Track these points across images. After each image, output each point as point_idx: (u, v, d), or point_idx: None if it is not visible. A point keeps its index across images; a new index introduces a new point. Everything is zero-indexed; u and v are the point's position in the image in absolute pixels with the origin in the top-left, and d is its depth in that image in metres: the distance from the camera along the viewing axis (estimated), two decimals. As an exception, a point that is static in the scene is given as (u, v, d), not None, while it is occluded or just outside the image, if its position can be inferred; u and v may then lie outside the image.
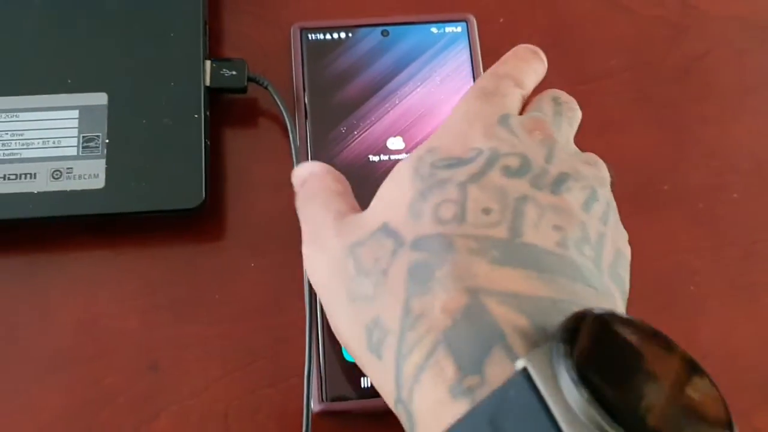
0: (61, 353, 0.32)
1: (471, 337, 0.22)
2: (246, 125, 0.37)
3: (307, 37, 0.37)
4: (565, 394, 0.19)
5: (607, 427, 0.18)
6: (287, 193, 0.30)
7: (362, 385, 0.31)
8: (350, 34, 0.37)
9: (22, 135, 0.34)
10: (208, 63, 0.35)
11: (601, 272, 0.25)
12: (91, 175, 0.33)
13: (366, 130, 0.35)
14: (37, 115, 0.34)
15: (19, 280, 0.33)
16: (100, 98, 0.34)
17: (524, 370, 0.20)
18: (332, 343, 0.32)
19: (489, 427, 0.20)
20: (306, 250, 0.28)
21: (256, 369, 0.32)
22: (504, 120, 0.27)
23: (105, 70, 0.35)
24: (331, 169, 0.30)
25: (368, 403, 0.31)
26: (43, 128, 0.34)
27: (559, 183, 0.26)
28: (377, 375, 0.24)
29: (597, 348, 0.20)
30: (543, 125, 0.28)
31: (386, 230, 0.25)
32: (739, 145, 0.38)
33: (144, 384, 0.32)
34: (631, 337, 0.21)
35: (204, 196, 0.33)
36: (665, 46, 0.40)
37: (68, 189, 0.33)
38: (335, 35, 0.37)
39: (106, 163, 0.33)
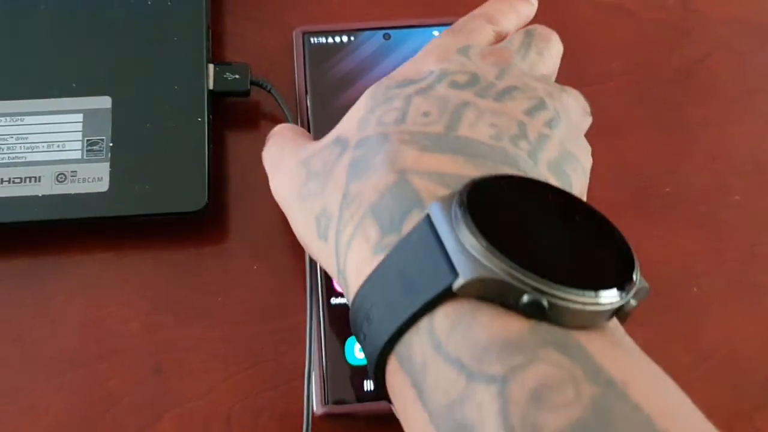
0: (65, 355, 0.32)
1: (393, 206, 0.24)
2: (249, 128, 0.37)
3: (310, 40, 0.37)
4: (457, 231, 0.21)
5: (490, 255, 0.20)
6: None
7: (365, 388, 0.31)
8: (352, 38, 0.37)
9: (26, 138, 0.34)
10: (211, 67, 0.36)
11: (537, 164, 0.26)
12: (95, 178, 0.33)
13: None
14: (42, 119, 0.34)
15: (23, 282, 0.34)
16: (104, 102, 0.35)
17: (426, 216, 0.22)
18: (335, 345, 0.32)
19: (396, 269, 0.22)
20: (270, 180, 0.30)
21: (259, 371, 0.32)
22: (463, 49, 0.29)
23: (109, 74, 0.35)
24: (293, 125, 0.33)
25: (370, 406, 0.31)
26: (47, 132, 0.34)
27: (504, 93, 0.27)
28: (325, 258, 0.27)
29: (491, 197, 0.22)
30: (501, 52, 0.29)
31: (336, 140, 0.28)
32: (740, 148, 0.38)
33: (147, 386, 0.32)
34: (524, 191, 0.23)
35: (207, 199, 0.33)
36: (666, 49, 0.40)
37: (72, 192, 0.33)
38: (337, 39, 0.37)
39: (110, 167, 0.34)
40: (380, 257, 0.23)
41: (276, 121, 0.37)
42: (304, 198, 0.27)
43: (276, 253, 0.34)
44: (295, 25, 0.37)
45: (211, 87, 0.35)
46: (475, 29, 0.30)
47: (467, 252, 0.20)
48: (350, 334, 0.32)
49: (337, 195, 0.26)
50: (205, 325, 0.33)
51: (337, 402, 0.31)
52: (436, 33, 0.37)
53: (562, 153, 0.27)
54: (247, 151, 0.36)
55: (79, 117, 0.34)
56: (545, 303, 0.20)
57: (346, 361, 0.32)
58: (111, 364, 0.32)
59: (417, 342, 0.21)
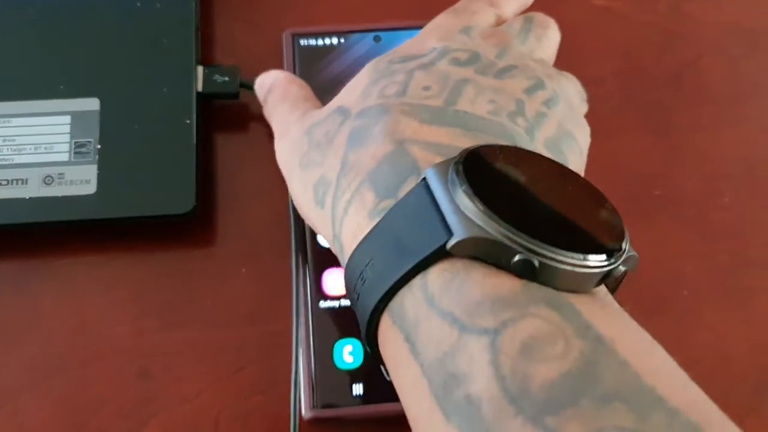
0: (51, 359, 0.32)
1: (390, 173, 0.24)
2: (238, 131, 0.37)
3: (299, 42, 0.37)
4: (452, 193, 0.21)
5: (484, 216, 0.21)
6: (278, 199, 0.30)
7: (354, 393, 0.31)
8: (342, 40, 0.37)
9: (14, 141, 0.34)
10: (200, 69, 0.35)
11: (534, 141, 0.26)
12: (82, 180, 0.33)
13: None
14: (29, 121, 0.34)
15: (9, 285, 0.33)
16: (92, 104, 0.34)
17: (423, 179, 0.23)
18: (323, 349, 0.31)
19: (391, 230, 0.22)
20: (276, 144, 0.31)
21: (247, 375, 0.32)
22: (465, 29, 0.29)
23: (97, 76, 0.35)
24: (294, 76, 0.33)
25: (360, 409, 0.31)
26: (35, 134, 0.34)
27: (503, 71, 0.27)
28: (321, 224, 0.27)
29: (487, 163, 0.23)
30: (501, 33, 0.30)
31: (338, 109, 0.28)
32: (730, 151, 0.38)
33: (134, 391, 0.32)
34: (520, 159, 0.23)
35: (195, 202, 0.33)
36: (657, 52, 0.40)
37: (60, 194, 0.33)
38: (327, 41, 0.37)
39: (98, 169, 0.33)
40: (376, 221, 0.23)
41: (265, 123, 0.36)
42: (305, 166, 0.28)
43: (265, 256, 0.34)
44: (285, 27, 0.37)
45: (199, 89, 0.35)
46: (478, 10, 0.31)
47: (462, 213, 0.21)
48: (339, 338, 0.32)
49: (335, 163, 0.26)
50: (193, 328, 0.33)
51: (325, 406, 0.31)
52: None
53: (559, 132, 0.27)
54: (235, 153, 0.36)
55: (67, 119, 0.34)
56: (536, 263, 0.20)
57: (334, 365, 0.31)
58: (97, 369, 0.32)
59: (410, 298, 0.22)
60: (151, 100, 0.35)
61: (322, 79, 0.36)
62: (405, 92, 0.27)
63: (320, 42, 0.37)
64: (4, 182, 0.33)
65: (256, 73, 0.36)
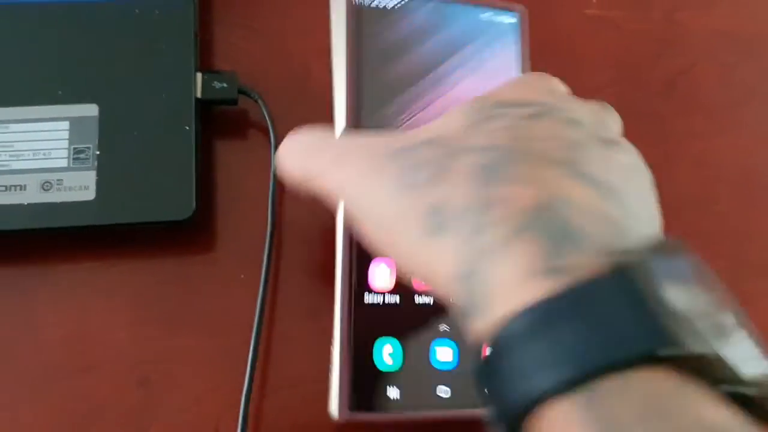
0: (50, 367, 0.32)
1: (554, 228, 0.21)
2: (237, 137, 0.37)
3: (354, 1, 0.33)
4: (659, 289, 0.18)
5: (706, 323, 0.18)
6: (278, 204, 0.30)
7: (391, 396, 0.30)
8: (404, 2, 0.34)
9: (12, 146, 0.33)
10: (199, 75, 0.35)
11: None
12: (81, 186, 0.33)
13: (424, 108, 0.33)
14: (28, 127, 0.34)
15: (7, 292, 0.33)
16: (91, 110, 0.34)
17: (619, 269, 0.19)
18: (362, 349, 0.30)
19: (574, 319, 0.19)
20: (333, 175, 0.26)
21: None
22: (559, 93, 0.27)
23: (96, 82, 0.35)
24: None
25: (394, 415, 0.30)
26: (33, 140, 0.34)
27: (610, 144, 0.26)
28: (431, 255, 0.23)
29: (683, 265, 0.20)
30: (591, 107, 0.28)
31: (438, 142, 0.24)
32: (725, 158, 0.38)
33: (134, 398, 0.32)
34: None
35: (194, 207, 0.33)
36: (651, 61, 0.40)
37: (58, 201, 0.33)
38: (387, 3, 0.34)
39: (97, 175, 0.33)
40: (540, 288, 0.20)
41: (264, 129, 0.36)
42: (401, 188, 0.24)
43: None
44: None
45: (198, 95, 0.35)
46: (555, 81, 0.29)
47: (680, 315, 0.18)
48: (378, 337, 0.31)
49: (464, 194, 0.22)
50: (193, 334, 0.33)
51: (358, 409, 0.30)
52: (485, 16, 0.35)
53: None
54: (234, 159, 0.36)
55: (66, 125, 0.34)
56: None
57: (374, 365, 0.30)
58: (96, 376, 0.32)
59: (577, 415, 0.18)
60: (150, 106, 0.34)
61: (381, 44, 0.33)
62: (530, 137, 0.24)
63: (379, 4, 0.34)
64: (2, 188, 0.33)
65: (256, 79, 0.37)
